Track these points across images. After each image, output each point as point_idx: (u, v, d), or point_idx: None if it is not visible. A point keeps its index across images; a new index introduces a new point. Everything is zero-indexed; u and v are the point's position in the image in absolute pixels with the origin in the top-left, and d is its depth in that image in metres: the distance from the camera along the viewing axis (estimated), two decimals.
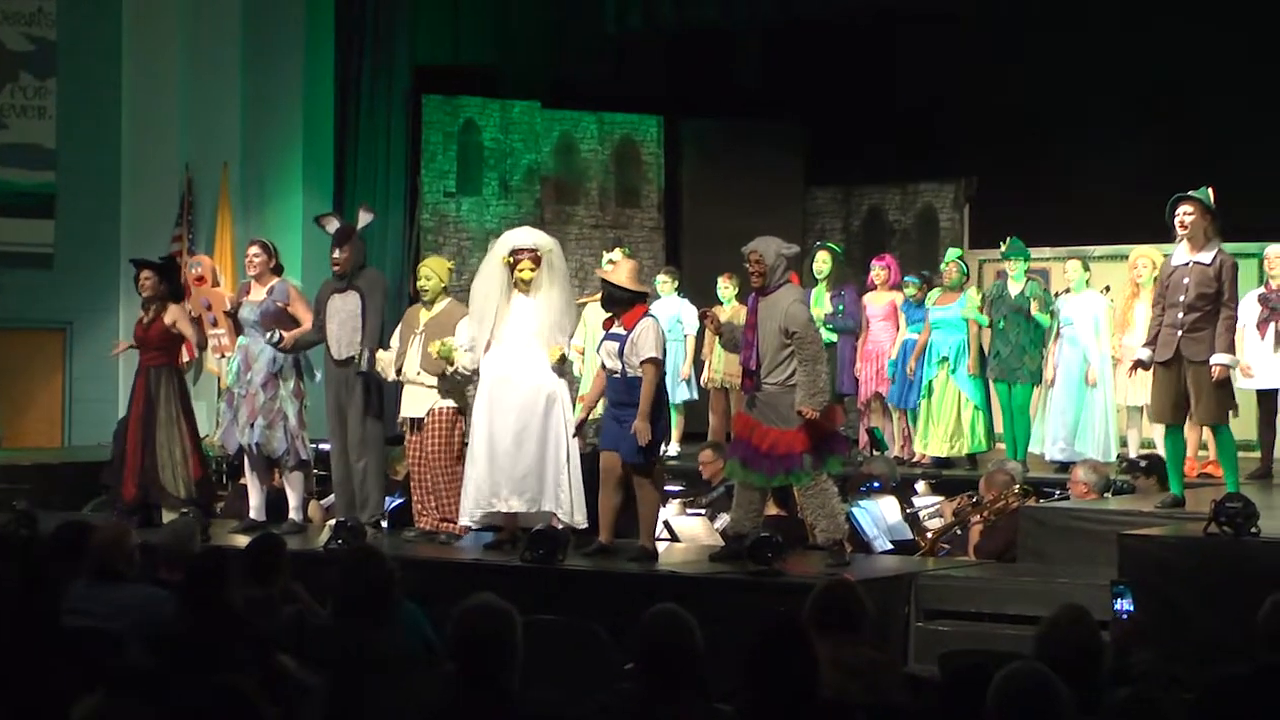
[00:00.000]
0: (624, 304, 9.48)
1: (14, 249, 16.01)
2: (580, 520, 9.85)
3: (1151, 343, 9.41)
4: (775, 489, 9.72)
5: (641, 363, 9.33)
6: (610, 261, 13.79)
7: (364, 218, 10.83)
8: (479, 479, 9.94)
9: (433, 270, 10.52)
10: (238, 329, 11.01)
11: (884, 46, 16.53)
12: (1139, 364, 9.58)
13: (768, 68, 17.46)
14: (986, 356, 13.07)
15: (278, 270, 11.00)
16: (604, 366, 9.58)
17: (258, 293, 10.92)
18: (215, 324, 11.14)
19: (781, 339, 9.15)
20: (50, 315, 16.13)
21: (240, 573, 6.77)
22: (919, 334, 13.39)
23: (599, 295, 9.83)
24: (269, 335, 10.64)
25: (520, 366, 9.93)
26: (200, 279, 11.34)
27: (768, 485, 9.43)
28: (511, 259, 9.94)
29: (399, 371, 10.39)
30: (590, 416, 10.01)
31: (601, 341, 9.70)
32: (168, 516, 10.89)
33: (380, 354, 10.44)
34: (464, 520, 10.10)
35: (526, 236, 10.21)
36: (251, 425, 10.74)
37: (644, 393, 9.30)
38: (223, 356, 11.38)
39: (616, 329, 9.48)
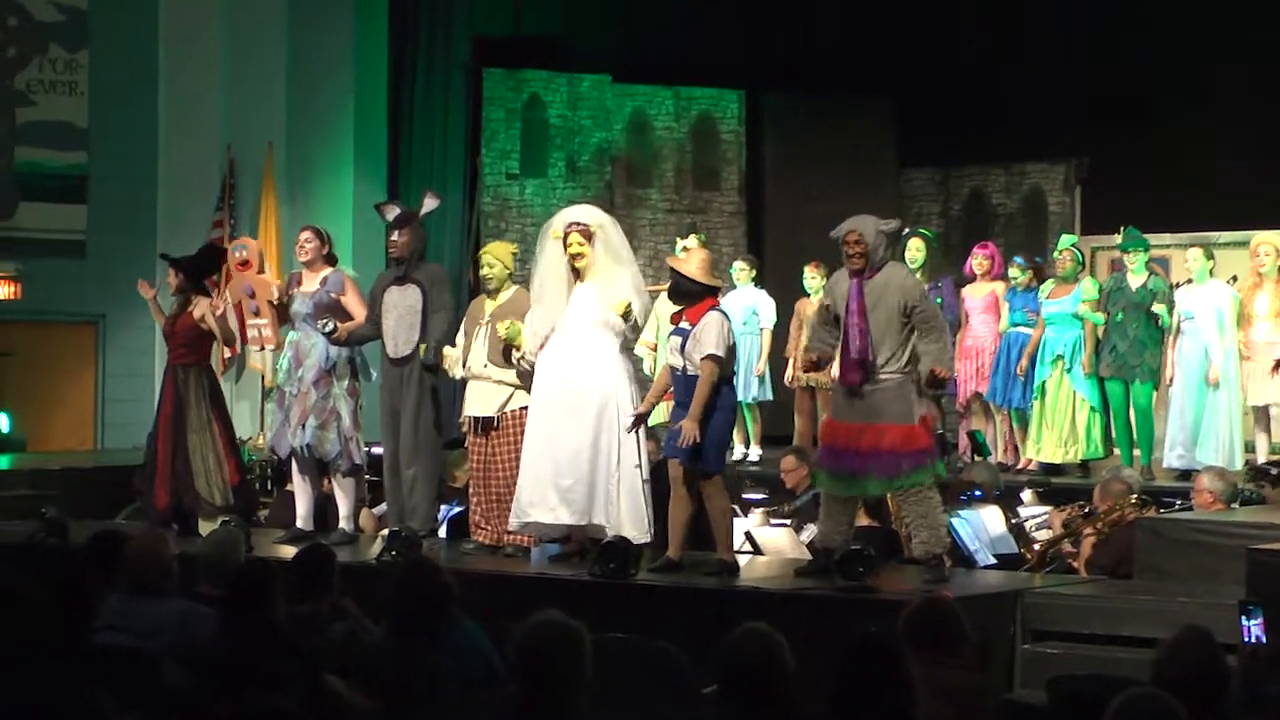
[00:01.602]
0: (693, 297, 9.46)
1: (43, 235, 16.15)
2: (634, 534, 9.65)
3: None
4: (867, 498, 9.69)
5: (701, 359, 9.31)
6: (684, 249, 13.83)
7: (429, 203, 10.76)
8: (526, 485, 9.89)
9: (496, 257, 10.49)
10: (283, 319, 11.03)
11: (985, 11, 16.44)
12: None
13: (856, 36, 17.38)
14: (1100, 355, 12.99)
15: (331, 259, 11.02)
16: (670, 364, 9.57)
17: (309, 283, 10.93)
18: (257, 313, 11.10)
19: (900, 319, 9.11)
20: (81, 307, 16.28)
21: (286, 587, 6.80)
22: (1023, 325, 13.29)
23: (668, 285, 9.77)
24: (322, 324, 10.61)
25: (577, 362, 9.80)
26: (245, 264, 11.25)
27: (888, 490, 9.37)
28: (564, 235, 9.88)
29: (465, 366, 10.38)
30: (654, 415, 9.89)
31: (668, 336, 9.66)
32: (205, 527, 10.97)
33: (447, 350, 10.39)
34: (510, 526, 10.07)
35: (577, 211, 10.11)
36: (303, 426, 10.78)
37: (698, 391, 9.25)
38: (262, 349, 11.40)
39: (683, 324, 9.46)
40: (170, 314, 11.34)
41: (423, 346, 10.41)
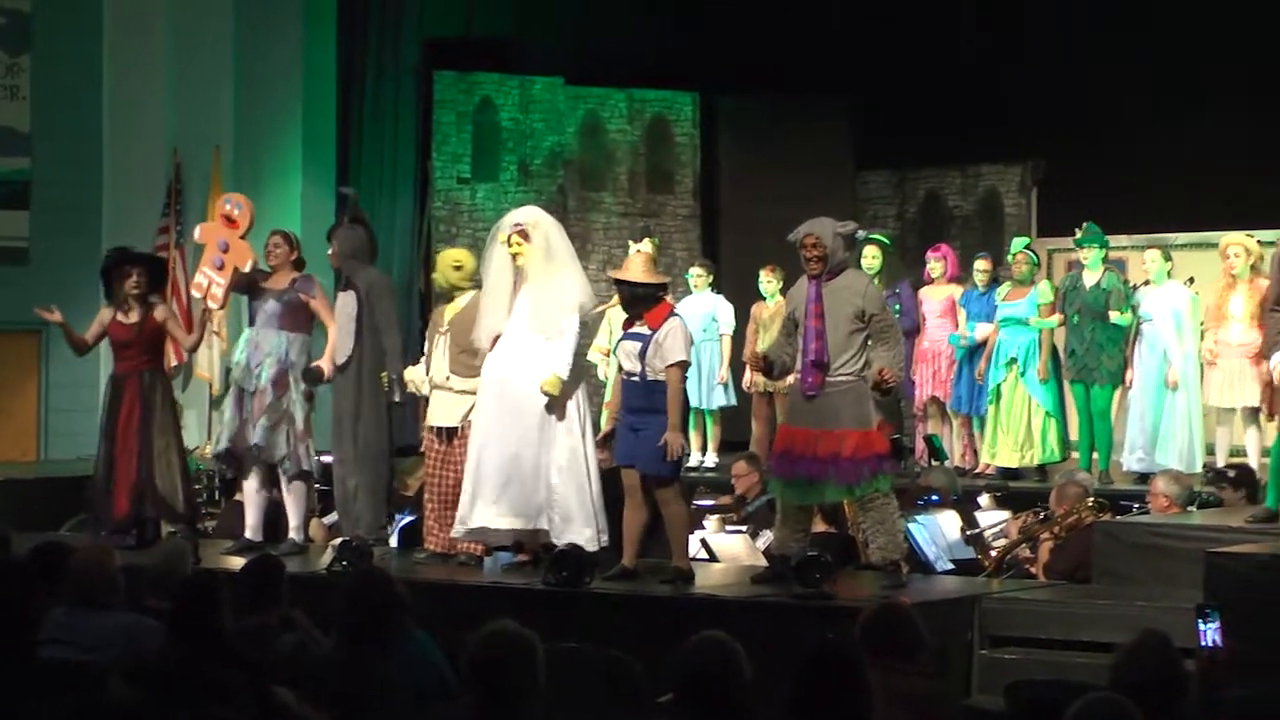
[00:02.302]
0: (648, 301, 9.47)
1: None
2: (583, 540, 9.64)
3: None
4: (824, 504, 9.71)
5: (668, 367, 9.32)
6: (638, 251, 13.82)
7: (345, 197, 10.93)
8: (471, 491, 9.89)
9: (446, 264, 10.54)
10: (236, 289, 10.97)
11: (943, 12, 16.49)
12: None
13: (811, 38, 17.41)
14: (1061, 358, 13.05)
15: (299, 264, 11.00)
16: (621, 369, 9.55)
17: (277, 283, 10.92)
18: (221, 267, 10.98)
19: (855, 324, 9.14)
20: (24, 316, 15.98)
21: (235, 598, 6.78)
22: (979, 329, 13.35)
23: (615, 302, 9.75)
24: (309, 372, 10.65)
25: (520, 366, 9.82)
26: (233, 221, 11.10)
27: (848, 497, 9.40)
28: (507, 239, 9.89)
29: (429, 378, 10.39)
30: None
31: (620, 341, 9.65)
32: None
33: (409, 372, 10.41)
34: (455, 533, 10.06)
35: (517, 212, 10.15)
36: (255, 425, 10.76)
37: (672, 400, 9.29)
38: (204, 299, 11.28)
39: (639, 328, 9.44)
40: (135, 320, 11.20)
41: (383, 376, 10.43)
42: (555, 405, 9.78)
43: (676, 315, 9.52)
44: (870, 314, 9.17)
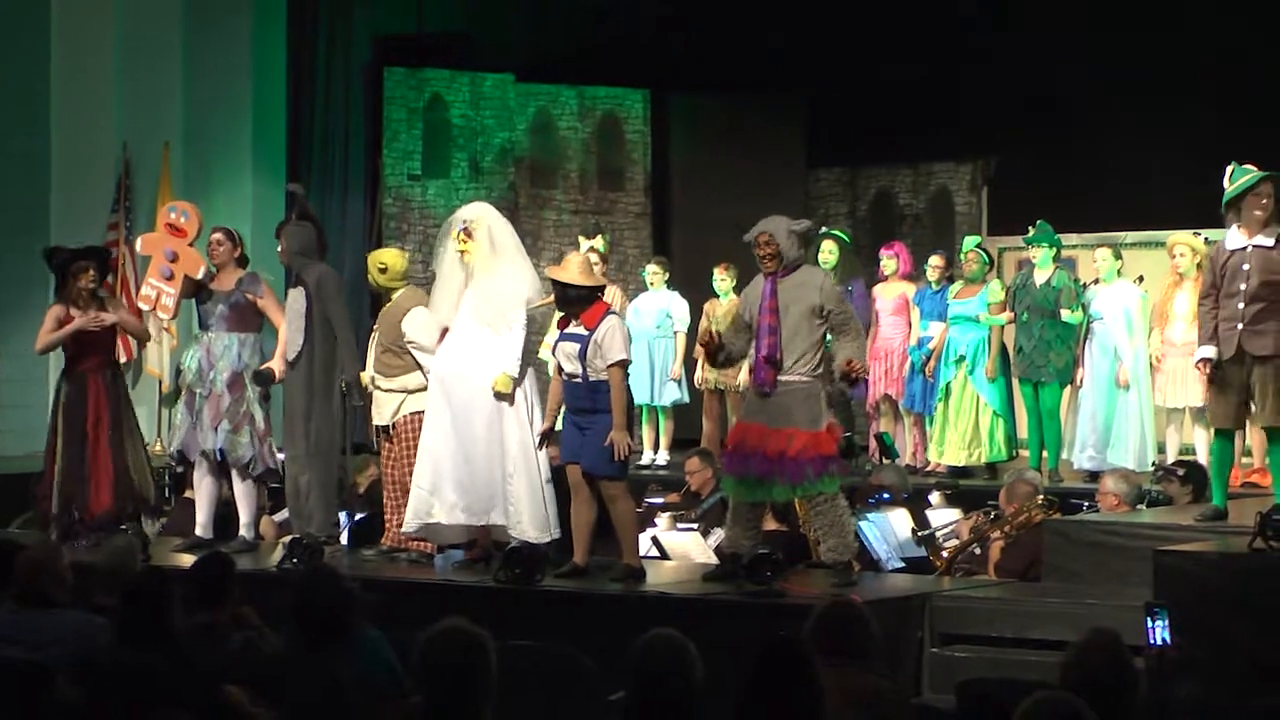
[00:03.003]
0: (583, 302, 9.47)
1: None
2: (534, 535, 9.72)
3: (1211, 339, 9.36)
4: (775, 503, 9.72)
5: (609, 366, 9.32)
6: (592, 249, 13.84)
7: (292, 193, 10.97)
8: (424, 487, 9.90)
9: (387, 262, 10.54)
10: (186, 295, 10.92)
11: (891, 11, 16.52)
12: (1206, 363, 9.47)
13: (763, 35, 17.42)
14: (1010, 356, 13.09)
15: (243, 261, 10.97)
16: (561, 370, 9.56)
17: (222, 284, 10.89)
18: (170, 277, 10.93)
19: (812, 320, 9.14)
20: None
21: (184, 596, 6.76)
22: (933, 327, 13.39)
23: (551, 299, 9.77)
24: (259, 375, 10.63)
25: (469, 361, 9.86)
26: (179, 230, 11.06)
27: (794, 496, 9.40)
28: (456, 235, 9.96)
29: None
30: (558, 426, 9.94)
31: (557, 342, 9.65)
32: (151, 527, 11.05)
33: (364, 375, 10.44)
34: (405, 529, 10.07)
35: (464, 210, 10.25)
36: (215, 429, 10.73)
37: (615, 400, 9.31)
38: (153, 311, 11.29)
39: (575, 328, 9.45)
40: (91, 315, 11.12)
41: (342, 381, 10.44)
42: (505, 400, 9.80)
43: (613, 314, 9.56)
44: (828, 309, 9.19)
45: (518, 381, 9.82)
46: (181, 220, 11.14)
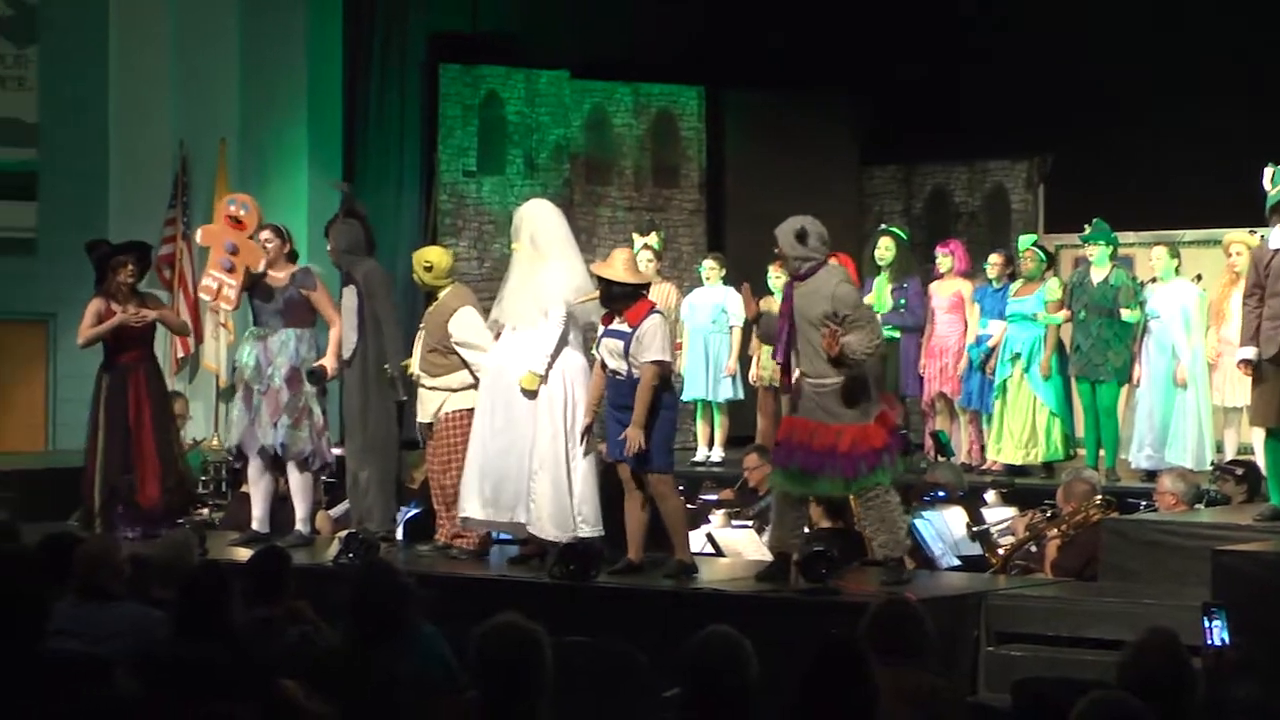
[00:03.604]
0: (627, 299, 9.47)
1: None
2: (554, 533, 9.71)
3: (1253, 339, 9.32)
4: (825, 499, 9.69)
5: (644, 363, 9.32)
6: (645, 246, 13.85)
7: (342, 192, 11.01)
8: (465, 482, 9.99)
9: (432, 260, 10.53)
10: (253, 292, 10.95)
11: (948, 7, 16.47)
12: (1246, 364, 9.43)
13: (818, 31, 17.39)
14: (1067, 354, 13.03)
15: (293, 257, 11.03)
16: (604, 366, 9.56)
17: (277, 279, 10.93)
18: (231, 269, 10.95)
19: (828, 325, 9.07)
20: (32, 306, 16.18)
21: (241, 590, 6.78)
22: (992, 325, 13.34)
23: (596, 295, 9.74)
24: (313, 374, 10.69)
25: (512, 358, 9.91)
26: (239, 223, 11.09)
27: (843, 490, 9.34)
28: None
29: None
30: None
31: (601, 338, 9.66)
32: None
33: (410, 366, 10.49)
34: (458, 523, 10.13)
35: (521, 206, 10.37)
36: (274, 425, 10.77)
37: (640, 396, 9.29)
38: (214, 303, 11.35)
39: (619, 325, 9.44)
40: (132, 310, 11.20)
41: (385, 369, 10.45)
42: (544, 397, 9.81)
43: (657, 312, 9.53)
44: (843, 315, 9.02)
45: (544, 379, 9.82)
46: (241, 213, 11.16)
